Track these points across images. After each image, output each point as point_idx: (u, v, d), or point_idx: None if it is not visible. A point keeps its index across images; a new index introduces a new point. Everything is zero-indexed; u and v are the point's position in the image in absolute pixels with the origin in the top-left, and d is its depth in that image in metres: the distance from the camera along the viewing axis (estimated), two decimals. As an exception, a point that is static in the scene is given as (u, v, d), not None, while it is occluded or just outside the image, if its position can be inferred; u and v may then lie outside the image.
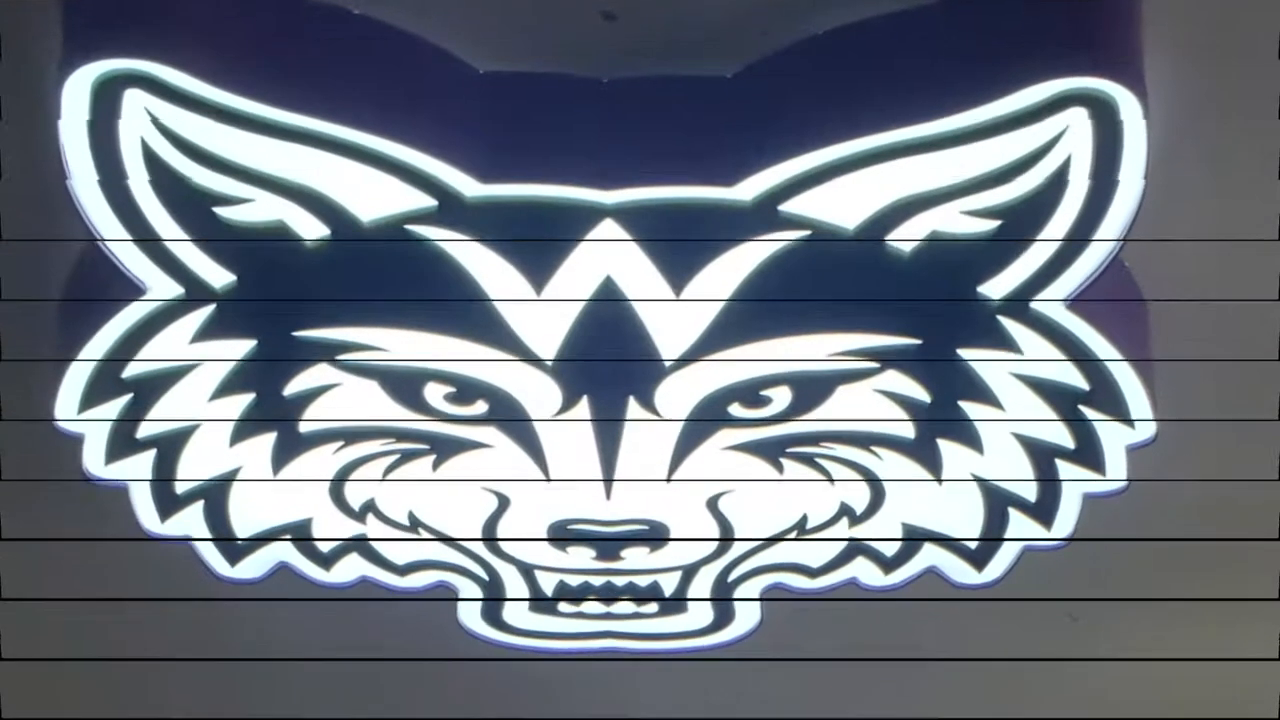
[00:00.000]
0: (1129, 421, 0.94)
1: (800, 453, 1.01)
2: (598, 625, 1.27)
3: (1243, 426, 1.17)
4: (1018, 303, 0.87)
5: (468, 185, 0.81)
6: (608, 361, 0.91)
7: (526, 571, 1.16)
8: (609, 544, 1.08)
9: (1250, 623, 1.65)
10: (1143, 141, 0.81)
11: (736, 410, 0.94)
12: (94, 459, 1.02)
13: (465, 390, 0.93)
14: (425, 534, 1.13)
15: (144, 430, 0.99)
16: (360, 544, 1.15)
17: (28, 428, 1.05)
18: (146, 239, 0.83)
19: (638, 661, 1.48)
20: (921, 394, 0.94)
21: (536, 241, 0.83)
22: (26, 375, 1.01)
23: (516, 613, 1.24)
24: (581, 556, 1.10)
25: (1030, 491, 1.04)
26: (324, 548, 1.15)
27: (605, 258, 0.83)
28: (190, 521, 1.11)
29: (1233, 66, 0.98)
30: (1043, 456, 1.00)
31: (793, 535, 1.11)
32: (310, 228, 0.84)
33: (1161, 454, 1.01)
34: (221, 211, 0.83)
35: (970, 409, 0.95)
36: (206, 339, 0.91)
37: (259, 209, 0.83)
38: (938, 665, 1.82)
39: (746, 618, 1.26)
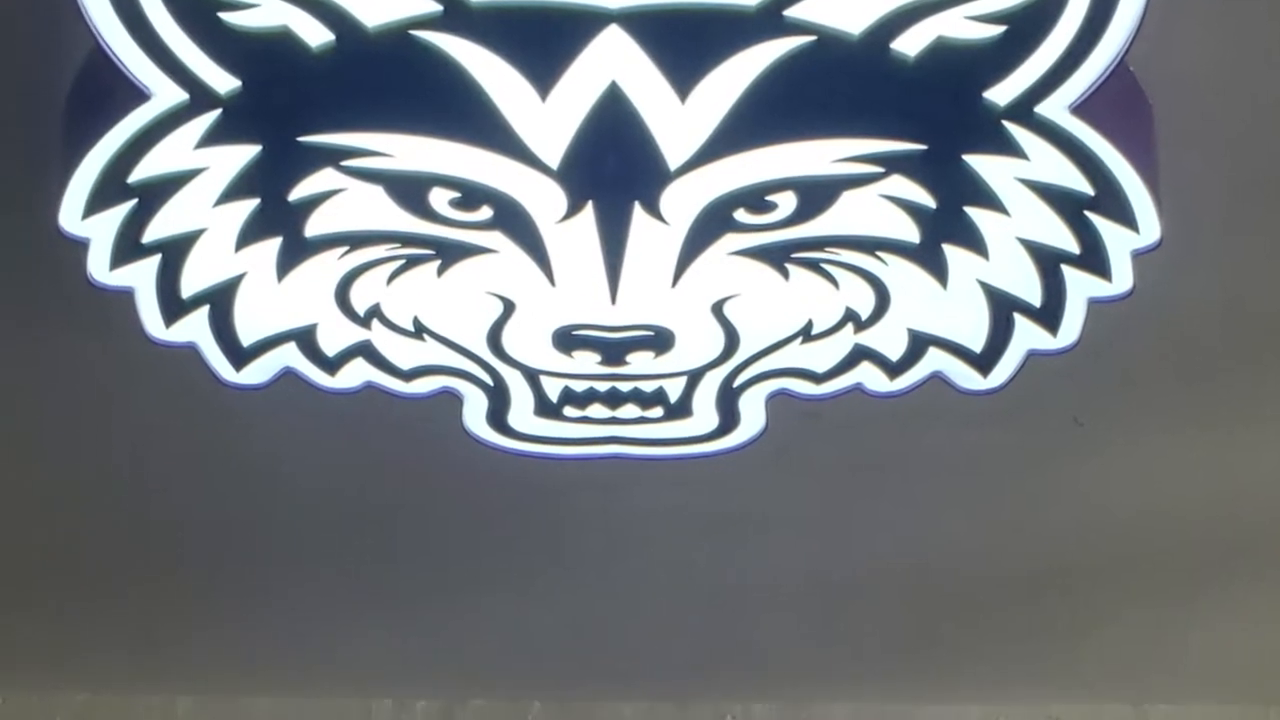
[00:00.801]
0: (1134, 226, 1.00)
1: (805, 258, 1.08)
2: (603, 430, 1.36)
3: (1249, 231, 1.23)
4: (1023, 108, 0.92)
5: (472, -11, 0.86)
6: (613, 167, 0.96)
7: (531, 377, 1.24)
8: (614, 349, 1.15)
9: (1257, 426, 1.75)
10: (1149, -56, 0.85)
11: (741, 216, 1.01)
12: (99, 264, 1.09)
13: (470, 195, 0.99)
14: (430, 339, 1.20)
15: (149, 235, 1.06)
16: (366, 348, 1.22)
17: (32, 235, 1.12)
18: (151, 43, 0.88)
19: (642, 466, 1.58)
20: (926, 199, 1.00)
21: (541, 47, 0.87)
22: (29, 182, 1.07)
23: (522, 417, 1.32)
24: (587, 361, 1.18)
25: (1035, 296, 1.10)
26: (329, 352, 1.22)
27: (610, 63, 0.88)
28: (195, 327, 1.17)
29: None
30: (1048, 262, 1.07)
31: (798, 340, 1.18)
32: (315, 33, 0.89)
33: (1167, 259, 1.07)
34: (227, 16, 0.88)
35: (975, 214, 1.01)
36: (211, 144, 0.97)
37: (264, 14, 0.88)
38: (943, 471, 1.93)
39: (751, 423, 1.34)
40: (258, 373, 1.25)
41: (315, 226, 1.05)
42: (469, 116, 0.93)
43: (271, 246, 1.08)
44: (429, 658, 2.94)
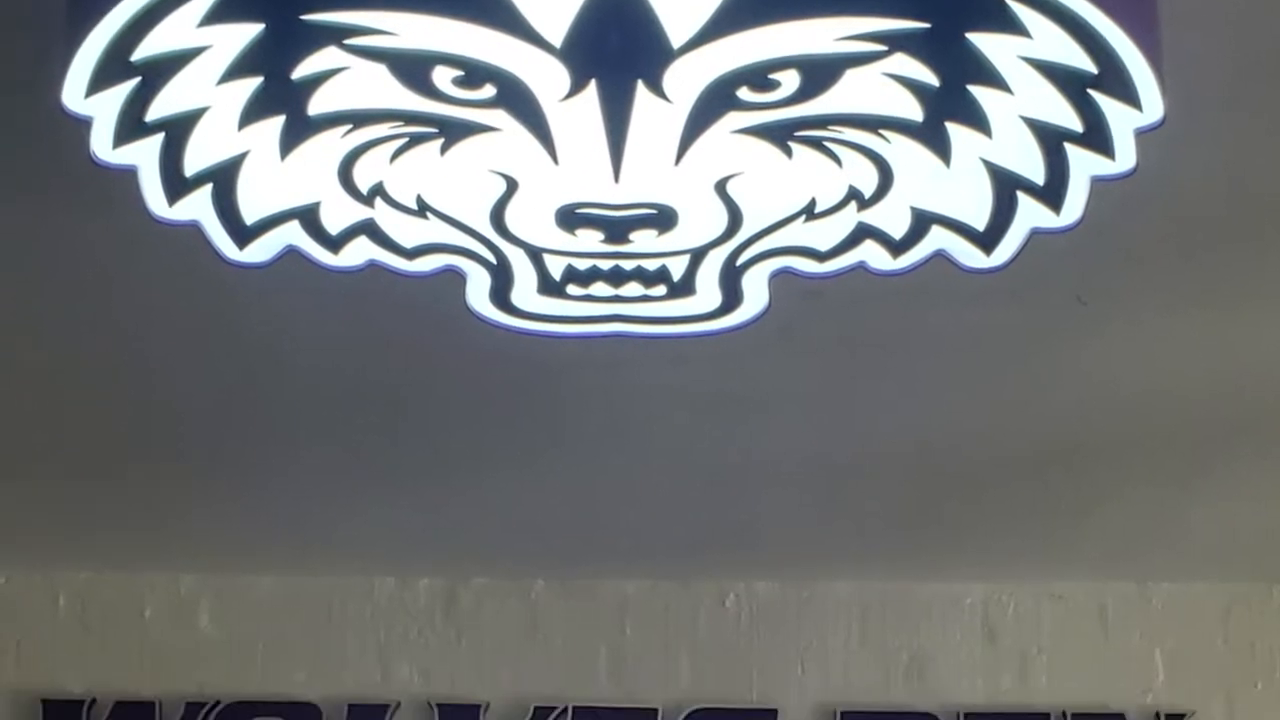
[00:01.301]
0: (1137, 104, 1.02)
1: (808, 136, 1.10)
2: (606, 309, 1.39)
3: (1252, 109, 1.25)
4: (1027, -16, 0.94)
5: None
6: (616, 44, 0.98)
7: (534, 255, 1.27)
8: (617, 227, 1.18)
9: (1259, 304, 1.78)
10: None
11: (744, 94, 1.03)
12: (102, 143, 1.11)
13: (473, 74, 1.02)
14: (433, 218, 1.23)
15: (152, 113, 1.08)
16: (369, 227, 1.24)
17: (35, 114, 1.14)
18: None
19: (645, 345, 1.62)
20: (929, 77, 1.03)
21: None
22: (32, 61, 1.09)
23: (525, 295, 1.35)
24: (590, 240, 1.21)
25: (1038, 175, 1.13)
26: (332, 230, 1.25)
27: (612, -59, 0.90)
28: (198, 205, 1.20)
29: None
30: (1051, 140, 1.10)
31: (801, 219, 1.21)
32: (317, -91, 0.90)
33: (1170, 137, 1.09)
34: (230, -107, 0.89)
35: (978, 93, 1.03)
36: (214, 23, 0.99)
37: (267, -108, 0.89)
38: (945, 350, 1.97)
39: (754, 302, 1.37)
40: (261, 251, 1.28)
41: (318, 105, 1.08)
42: (472, -8, 0.95)
43: (274, 125, 1.11)
44: (431, 536, 3.03)
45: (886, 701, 3.23)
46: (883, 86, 1.05)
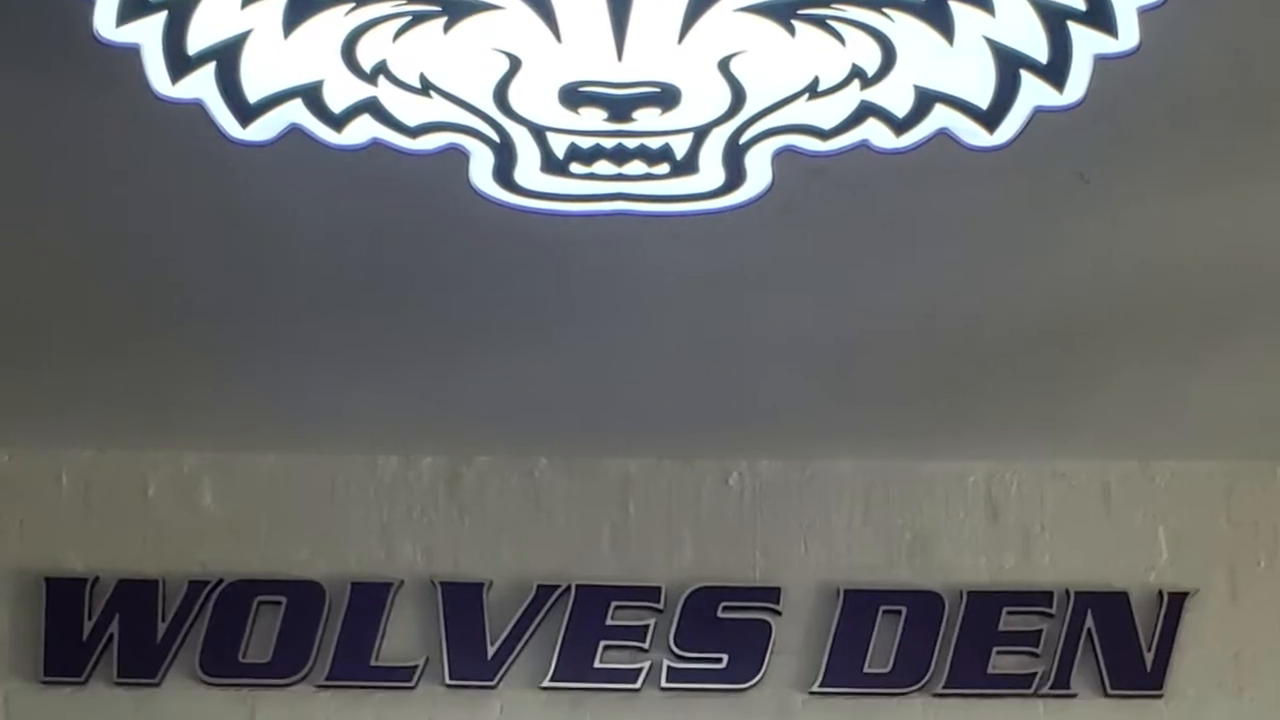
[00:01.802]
0: (1141, -18, 1.05)
1: (812, 15, 1.14)
2: (609, 187, 1.43)
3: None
4: None
5: None
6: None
7: (538, 133, 1.30)
8: (620, 105, 1.22)
9: (1262, 182, 1.81)
10: None
11: (748, -30, 1.05)
12: (105, 21, 1.14)
13: (475, -50, 1.04)
14: (437, 96, 1.25)
15: (157, -10, 1.10)
16: (372, 105, 1.27)
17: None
18: None
19: (648, 223, 1.65)
20: (932, -46, 1.04)
21: None
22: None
23: (528, 174, 1.38)
24: (593, 118, 1.25)
25: (1041, 53, 1.16)
26: (335, 108, 1.28)
27: None
28: (201, 84, 1.23)
29: None
30: (1054, 18, 1.13)
31: (804, 97, 1.23)
32: None
33: (1174, 15, 1.11)
34: None
35: (983, -30, 1.06)
36: (218, -99, 1.00)
37: None
38: (948, 228, 2.00)
39: (757, 180, 1.39)
40: (264, 129, 1.32)
41: (322, -18, 1.10)
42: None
43: (277, 3, 1.14)
44: (435, 415, 3.08)
45: (889, 580, 3.29)
46: (886, -37, 1.07)
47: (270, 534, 3.26)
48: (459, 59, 1.21)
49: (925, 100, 1.26)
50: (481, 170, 1.41)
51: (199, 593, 3.17)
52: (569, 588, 3.22)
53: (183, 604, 3.16)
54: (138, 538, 3.24)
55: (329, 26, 1.17)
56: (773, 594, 3.28)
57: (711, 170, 1.38)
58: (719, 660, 3.24)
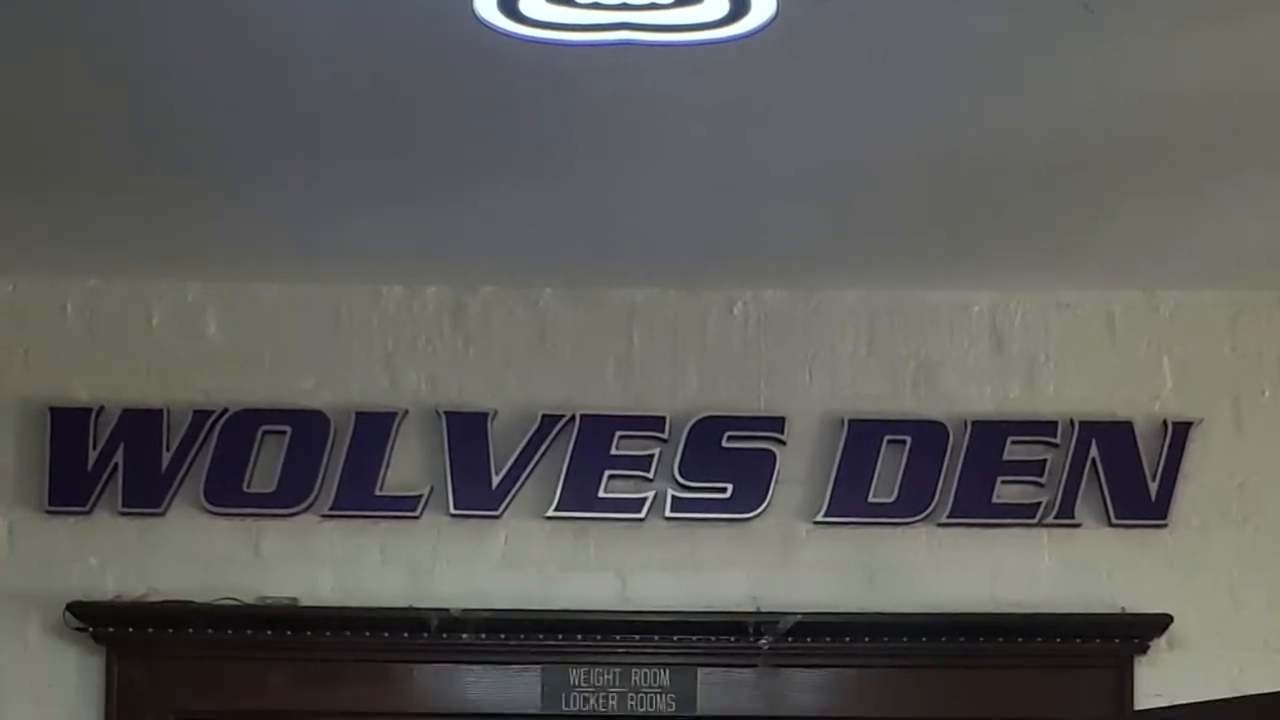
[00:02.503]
0: None
1: None
2: (614, 16, 1.49)
3: None
4: None
5: None
6: None
7: (543, -37, 1.35)
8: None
9: (1268, 13, 1.85)
10: None
11: None
12: None
13: None
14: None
15: None
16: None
17: None
18: None
19: (653, 53, 1.71)
20: None
21: None
22: None
23: (534, 4, 1.44)
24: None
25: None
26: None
27: None
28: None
29: None
30: None
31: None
32: None
33: None
34: None
35: None
36: None
37: None
38: (953, 57, 2.05)
39: (761, 10, 1.45)
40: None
41: None
42: None
43: None
44: (440, 244, 3.16)
45: (893, 410, 3.41)
46: None
47: (274, 363, 3.38)
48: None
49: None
50: (487, 0, 1.46)
51: (203, 422, 3.29)
52: (573, 417, 3.33)
53: (187, 434, 3.29)
54: (142, 367, 3.36)
55: None
56: (777, 424, 3.39)
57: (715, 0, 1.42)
58: (723, 490, 3.36)
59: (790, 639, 3.27)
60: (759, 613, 3.29)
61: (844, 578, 3.37)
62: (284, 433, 3.31)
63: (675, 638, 3.31)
